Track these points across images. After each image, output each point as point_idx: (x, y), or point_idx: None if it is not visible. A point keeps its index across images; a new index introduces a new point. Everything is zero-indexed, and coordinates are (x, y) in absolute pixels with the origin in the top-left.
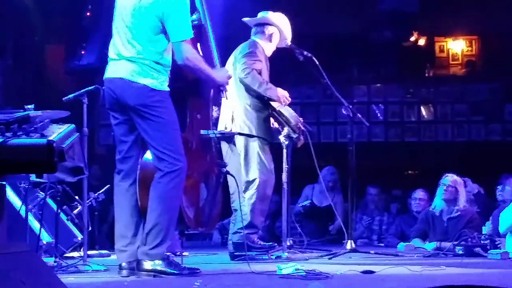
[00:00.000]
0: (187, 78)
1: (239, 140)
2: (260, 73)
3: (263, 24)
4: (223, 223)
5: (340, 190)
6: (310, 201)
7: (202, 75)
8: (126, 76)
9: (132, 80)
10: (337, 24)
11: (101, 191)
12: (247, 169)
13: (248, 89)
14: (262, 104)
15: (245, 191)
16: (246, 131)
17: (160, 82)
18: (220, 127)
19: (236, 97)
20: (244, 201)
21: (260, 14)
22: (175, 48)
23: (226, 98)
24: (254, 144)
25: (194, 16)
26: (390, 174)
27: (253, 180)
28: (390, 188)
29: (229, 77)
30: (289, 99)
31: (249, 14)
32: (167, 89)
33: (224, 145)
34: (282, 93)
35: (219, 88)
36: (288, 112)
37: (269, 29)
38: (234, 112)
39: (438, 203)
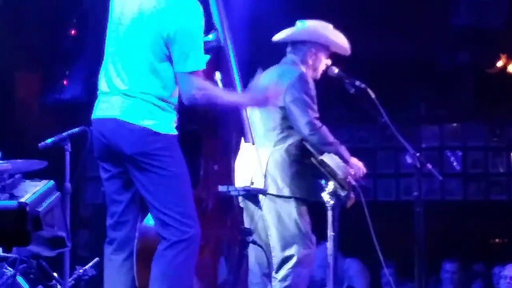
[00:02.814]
0: (203, 118)
1: (267, 200)
2: None
3: (303, 41)
4: None
5: None
6: None
7: (222, 106)
8: (121, 116)
9: (128, 121)
10: (398, 46)
11: (88, 265)
12: (280, 241)
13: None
14: (303, 152)
15: (277, 270)
16: (285, 190)
17: (166, 123)
18: (242, 180)
19: (266, 140)
20: (275, 284)
21: (298, 24)
22: (180, 81)
23: (253, 143)
24: (290, 207)
25: (211, 36)
26: (470, 243)
27: (289, 257)
28: (470, 262)
29: (267, 93)
30: (365, 170)
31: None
32: (175, 132)
33: (250, 205)
34: (357, 164)
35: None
36: (333, 161)
37: (309, 45)
38: (262, 161)
39: None
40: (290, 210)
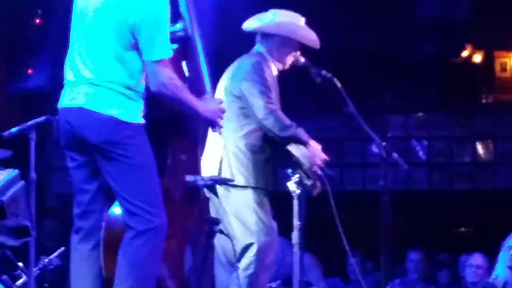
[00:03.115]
0: (170, 107)
1: (224, 189)
2: None
3: (272, 34)
4: None
5: None
6: None
7: (184, 108)
8: (86, 105)
9: (94, 110)
10: (365, 36)
11: (53, 255)
12: (240, 230)
13: (245, 124)
14: (262, 142)
15: (239, 259)
16: (239, 180)
17: (132, 112)
18: (207, 171)
19: (224, 130)
20: (239, 273)
21: (269, 15)
22: (148, 69)
23: (220, 134)
24: (247, 196)
25: (179, 25)
26: (436, 232)
27: (250, 245)
28: (436, 251)
29: (223, 111)
30: (325, 157)
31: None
32: (142, 121)
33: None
34: (317, 148)
35: (210, 124)
36: (299, 151)
37: (277, 38)
38: (217, 150)
39: (501, 272)
40: (247, 199)
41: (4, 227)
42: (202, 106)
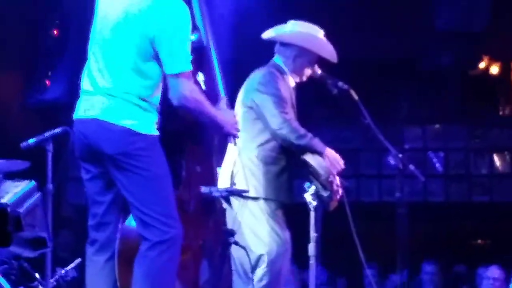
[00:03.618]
0: (185, 119)
1: (238, 200)
2: None
3: (290, 44)
4: None
5: None
6: None
7: (204, 119)
8: (101, 116)
9: (109, 121)
10: (381, 47)
11: (69, 266)
12: (253, 241)
13: (258, 134)
14: (276, 153)
15: (252, 270)
16: (251, 191)
17: (147, 123)
18: (223, 182)
19: (241, 142)
20: (254, 284)
21: (288, 26)
22: (170, 83)
23: (235, 145)
24: (261, 208)
25: (194, 37)
26: (452, 244)
27: (262, 256)
28: (452, 263)
29: (237, 122)
30: (342, 165)
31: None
32: (156, 133)
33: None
34: (334, 156)
35: (227, 135)
36: (315, 161)
37: (294, 48)
38: (235, 164)
39: None
40: (259, 210)
41: (20, 238)
42: (223, 116)
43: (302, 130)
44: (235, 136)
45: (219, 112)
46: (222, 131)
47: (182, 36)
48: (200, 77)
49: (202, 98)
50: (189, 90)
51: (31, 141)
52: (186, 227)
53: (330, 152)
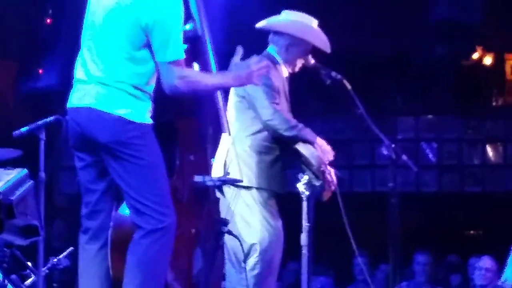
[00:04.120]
0: (179, 108)
1: (231, 189)
2: None
3: (283, 33)
4: None
5: None
6: None
7: (208, 93)
8: (95, 105)
9: (103, 110)
10: (376, 39)
11: (62, 255)
12: (245, 230)
13: (250, 124)
14: (268, 143)
15: (245, 259)
16: (244, 180)
17: (140, 112)
18: (216, 171)
19: (234, 131)
20: (247, 273)
21: (282, 15)
22: (161, 71)
23: (229, 134)
24: (253, 197)
25: (188, 26)
26: (445, 234)
27: (254, 245)
28: (444, 253)
29: (266, 66)
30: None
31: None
32: (150, 121)
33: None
34: (324, 146)
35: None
36: (308, 150)
37: (288, 37)
38: (228, 154)
39: (510, 276)
40: (252, 200)
41: (12, 226)
42: (232, 77)
43: (293, 121)
44: (260, 80)
45: (225, 76)
46: (243, 85)
47: (174, 24)
48: (195, 67)
49: (195, 79)
50: (179, 77)
51: (24, 129)
52: (180, 216)
53: (320, 141)
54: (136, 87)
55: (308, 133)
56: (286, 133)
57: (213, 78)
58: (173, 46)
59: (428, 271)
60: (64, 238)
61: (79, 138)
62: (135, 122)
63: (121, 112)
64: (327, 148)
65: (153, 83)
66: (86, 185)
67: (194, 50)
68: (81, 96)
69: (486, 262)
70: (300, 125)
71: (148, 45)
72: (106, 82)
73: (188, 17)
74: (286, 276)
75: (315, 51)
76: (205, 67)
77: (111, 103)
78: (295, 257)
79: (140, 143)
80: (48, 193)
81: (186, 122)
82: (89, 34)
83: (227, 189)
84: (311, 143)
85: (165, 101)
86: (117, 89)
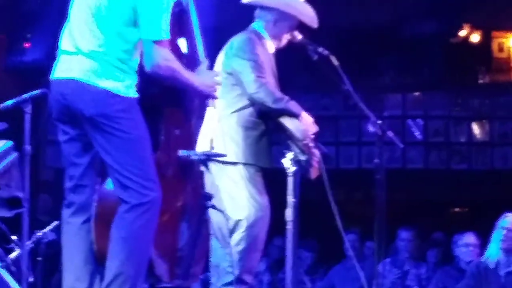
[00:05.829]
0: (164, 82)
1: (216, 165)
2: None
3: (270, 8)
4: (208, 275)
5: None
6: None
7: (180, 85)
8: (81, 77)
9: (88, 82)
10: (363, 14)
11: (47, 228)
12: (231, 206)
13: (237, 100)
14: (255, 118)
15: (230, 235)
16: (230, 156)
17: (126, 85)
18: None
19: (220, 108)
20: (232, 248)
21: None
22: (144, 49)
23: (214, 107)
24: (239, 173)
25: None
26: (430, 211)
27: (240, 221)
28: (430, 230)
29: (219, 83)
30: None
31: None
32: (136, 95)
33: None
34: (308, 119)
35: (205, 97)
36: (292, 124)
37: (275, 12)
38: (214, 130)
39: (494, 252)
40: (238, 175)
41: None
42: (199, 79)
43: (278, 94)
44: (212, 97)
45: (196, 77)
46: (201, 94)
47: (161, 3)
48: (183, 42)
49: (176, 66)
50: (163, 58)
51: (9, 102)
52: (164, 191)
53: (305, 115)
54: (122, 61)
55: (293, 105)
56: (273, 106)
57: (189, 75)
58: (159, 25)
59: (411, 247)
60: (49, 212)
61: (64, 111)
62: (120, 96)
63: (107, 85)
64: (311, 121)
65: (138, 58)
66: (70, 158)
67: (179, 24)
68: (66, 68)
69: (470, 238)
70: (286, 98)
71: (135, 23)
72: (93, 55)
73: None
74: (271, 251)
75: (303, 27)
76: (190, 41)
77: (97, 76)
78: (281, 232)
79: (125, 117)
80: (33, 167)
81: (171, 96)
82: (78, 6)
83: (212, 164)
84: (296, 116)
85: (151, 75)
86: (104, 62)
